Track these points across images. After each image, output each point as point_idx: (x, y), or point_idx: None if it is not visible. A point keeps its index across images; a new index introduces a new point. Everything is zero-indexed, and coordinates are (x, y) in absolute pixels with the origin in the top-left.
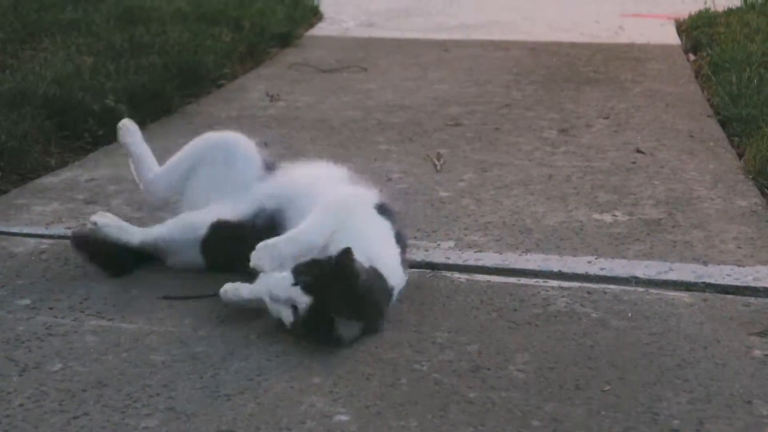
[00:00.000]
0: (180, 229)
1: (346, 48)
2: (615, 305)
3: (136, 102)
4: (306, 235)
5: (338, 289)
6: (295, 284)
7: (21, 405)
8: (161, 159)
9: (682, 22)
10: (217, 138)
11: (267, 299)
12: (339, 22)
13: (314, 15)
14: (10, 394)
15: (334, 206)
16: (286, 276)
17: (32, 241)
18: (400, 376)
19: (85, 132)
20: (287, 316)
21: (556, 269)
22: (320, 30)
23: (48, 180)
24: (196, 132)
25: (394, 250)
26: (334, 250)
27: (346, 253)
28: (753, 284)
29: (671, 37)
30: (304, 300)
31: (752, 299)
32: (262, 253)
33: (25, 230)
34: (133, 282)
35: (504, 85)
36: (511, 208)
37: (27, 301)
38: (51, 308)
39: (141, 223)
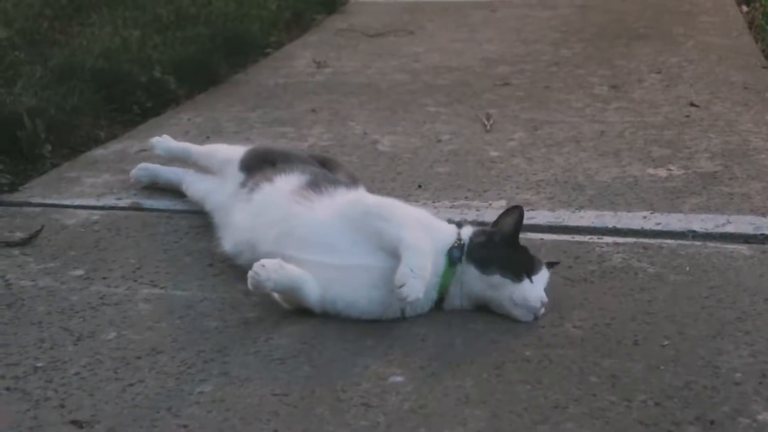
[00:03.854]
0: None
1: (392, 12)
2: (672, 260)
3: (183, 73)
4: (426, 250)
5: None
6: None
7: (77, 373)
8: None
9: None
10: None
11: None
12: None
13: None
14: (65, 363)
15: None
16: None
17: (84, 212)
18: (455, 336)
19: (133, 104)
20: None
21: (610, 225)
22: None
23: (98, 152)
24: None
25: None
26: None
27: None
28: None
29: None
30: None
31: None
32: (412, 284)
33: (77, 202)
34: (185, 250)
35: (552, 43)
36: (563, 166)
37: (80, 272)
38: (104, 278)
39: None
